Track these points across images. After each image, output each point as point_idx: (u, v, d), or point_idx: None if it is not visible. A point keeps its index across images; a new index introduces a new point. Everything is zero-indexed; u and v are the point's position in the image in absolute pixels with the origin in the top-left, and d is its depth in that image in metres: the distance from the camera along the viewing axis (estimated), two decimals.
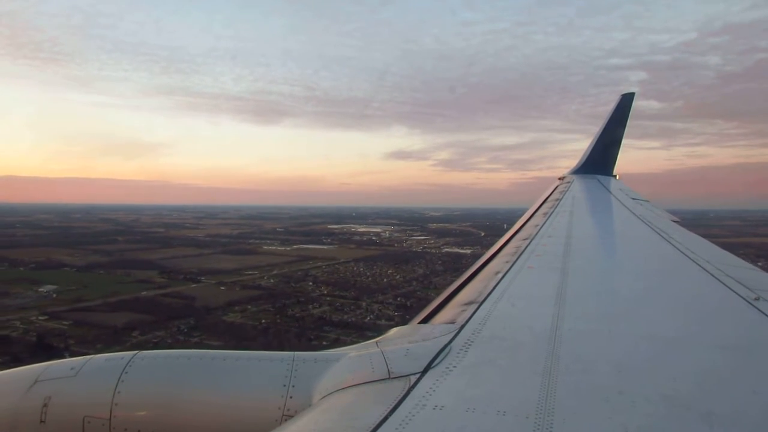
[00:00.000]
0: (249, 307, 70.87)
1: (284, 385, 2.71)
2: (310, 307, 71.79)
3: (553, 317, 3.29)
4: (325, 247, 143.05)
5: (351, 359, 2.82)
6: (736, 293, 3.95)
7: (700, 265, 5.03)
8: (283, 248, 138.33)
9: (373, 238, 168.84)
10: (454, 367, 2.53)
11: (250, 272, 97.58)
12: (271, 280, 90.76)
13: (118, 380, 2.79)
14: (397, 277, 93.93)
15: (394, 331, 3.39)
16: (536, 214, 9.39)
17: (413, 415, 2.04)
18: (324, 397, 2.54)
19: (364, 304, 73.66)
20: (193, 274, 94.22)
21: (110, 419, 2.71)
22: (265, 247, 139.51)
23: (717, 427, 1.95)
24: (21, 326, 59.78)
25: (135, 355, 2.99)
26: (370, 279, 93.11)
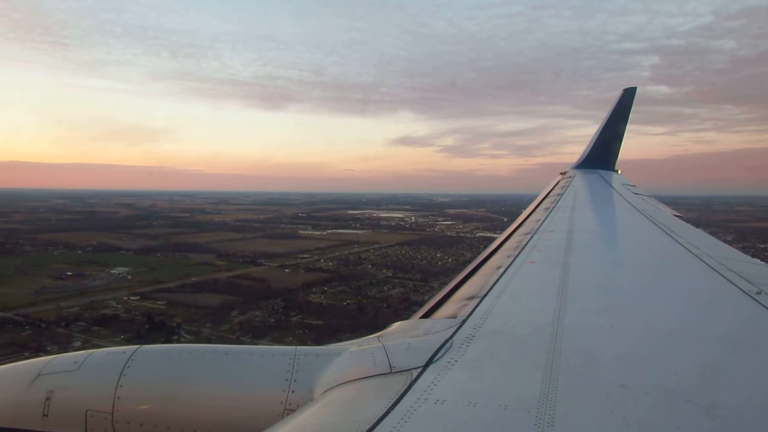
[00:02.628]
0: (325, 288, 72.41)
1: (286, 380, 2.73)
2: (386, 288, 73.53)
3: (555, 312, 3.29)
4: (358, 231, 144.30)
5: (352, 354, 2.83)
6: (738, 287, 3.95)
7: (702, 260, 5.05)
8: (319, 233, 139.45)
9: (401, 223, 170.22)
10: (456, 361, 2.55)
11: (302, 256, 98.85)
12: (330, 263, 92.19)
13: (121, 374, 2.81)
14: (449, 260, 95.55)
15: (395, 325, 3.40)
16: (538, 209, 9.41)
17: (415, 410, 2.05)
18: (326, 391, 2.56)
19: (435, 285, 75.44)
20: (249, 257, 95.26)
21: (112, 413, 2.72)
22: (301, 232, 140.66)
23: (718, 421, 1.96)
24: (119, 306, 61.05)
25: (137, 349, 3.02)
26: (424, 262, 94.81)
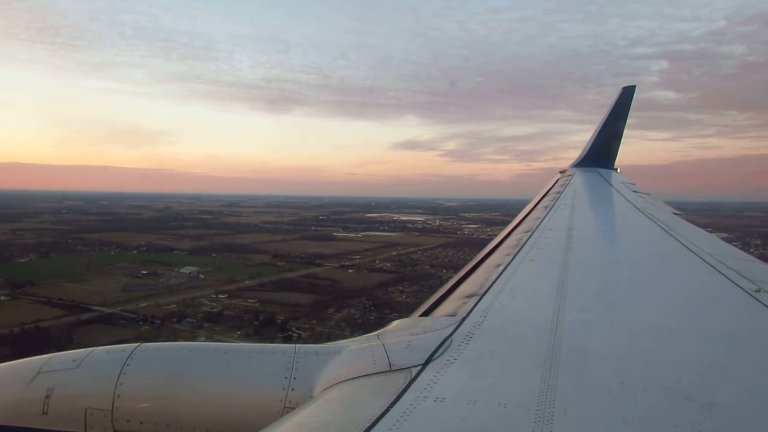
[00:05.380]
0: (401, 287, 73.40)
1: (286, 378, 2.74)
2: None
3: (554, 309, 3.30)
4: (391, 233, 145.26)
5: (352, 352, 2.84)
6: (738, 285, 3.96)
7: (701, 258, 5.04)
8: (353, 235, 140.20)
9: (426, 226, 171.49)
10: (455, 359, 2.55)
11: (354, 257, 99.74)
12: (387, 264, 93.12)
13: (120, 372, 2.81)
14: None
15: (395, 323, 3.40)
16: (537, 207, 9.43)
17: (414, 408, 2.05)
18: (325, 389, 2.57)
19: None
20: (304, 258, 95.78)
21: (112, 411, 2.72)
22: (335, 234, 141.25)
23: (717, 418, 1.96)
24: (215, 304, 61.35)
25: (137, 347, 3.01)
26: None
